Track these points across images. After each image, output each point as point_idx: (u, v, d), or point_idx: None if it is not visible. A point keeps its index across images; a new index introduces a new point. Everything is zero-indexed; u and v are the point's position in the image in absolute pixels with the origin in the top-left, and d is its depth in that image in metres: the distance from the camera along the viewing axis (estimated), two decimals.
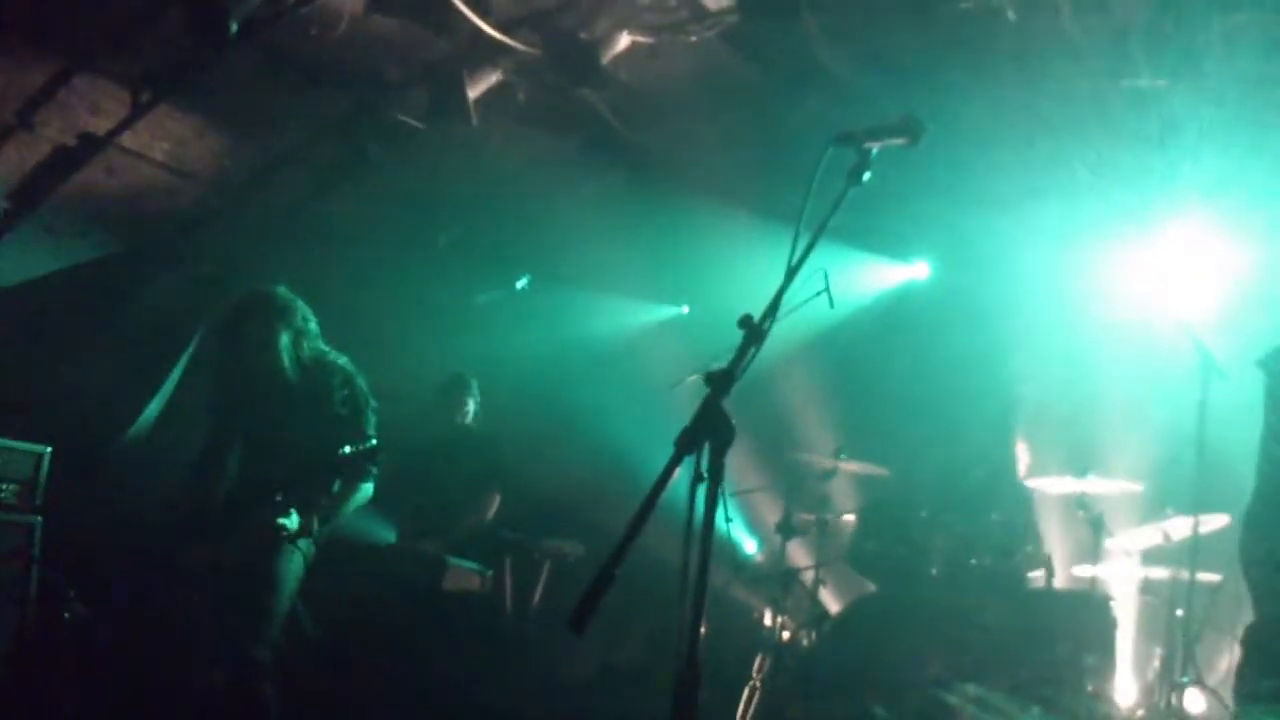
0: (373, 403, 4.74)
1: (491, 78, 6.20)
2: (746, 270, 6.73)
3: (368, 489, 4.71)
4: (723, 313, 7.02)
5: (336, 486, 4.63)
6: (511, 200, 7.29)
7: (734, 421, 2.47)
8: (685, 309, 8.20)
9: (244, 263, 6.86)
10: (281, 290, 4.81)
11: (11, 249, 6.06)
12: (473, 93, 6.17)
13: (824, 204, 2.81)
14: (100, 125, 5.77)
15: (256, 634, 4.37)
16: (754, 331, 2.58)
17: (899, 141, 2.89)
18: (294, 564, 4.53)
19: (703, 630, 2.52)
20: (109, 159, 5.93)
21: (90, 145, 5.83)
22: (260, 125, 6.28)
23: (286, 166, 6.54)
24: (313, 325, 4.78)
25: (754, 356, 2.57)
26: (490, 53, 6.03)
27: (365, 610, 5.70)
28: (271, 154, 6.47)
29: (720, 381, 2.49)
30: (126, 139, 5.87)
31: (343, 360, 4.79)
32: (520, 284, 7.81)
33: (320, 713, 5.36)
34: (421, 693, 5.58)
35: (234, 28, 5.33)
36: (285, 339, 4.67)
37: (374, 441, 4.48)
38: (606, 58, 6.00)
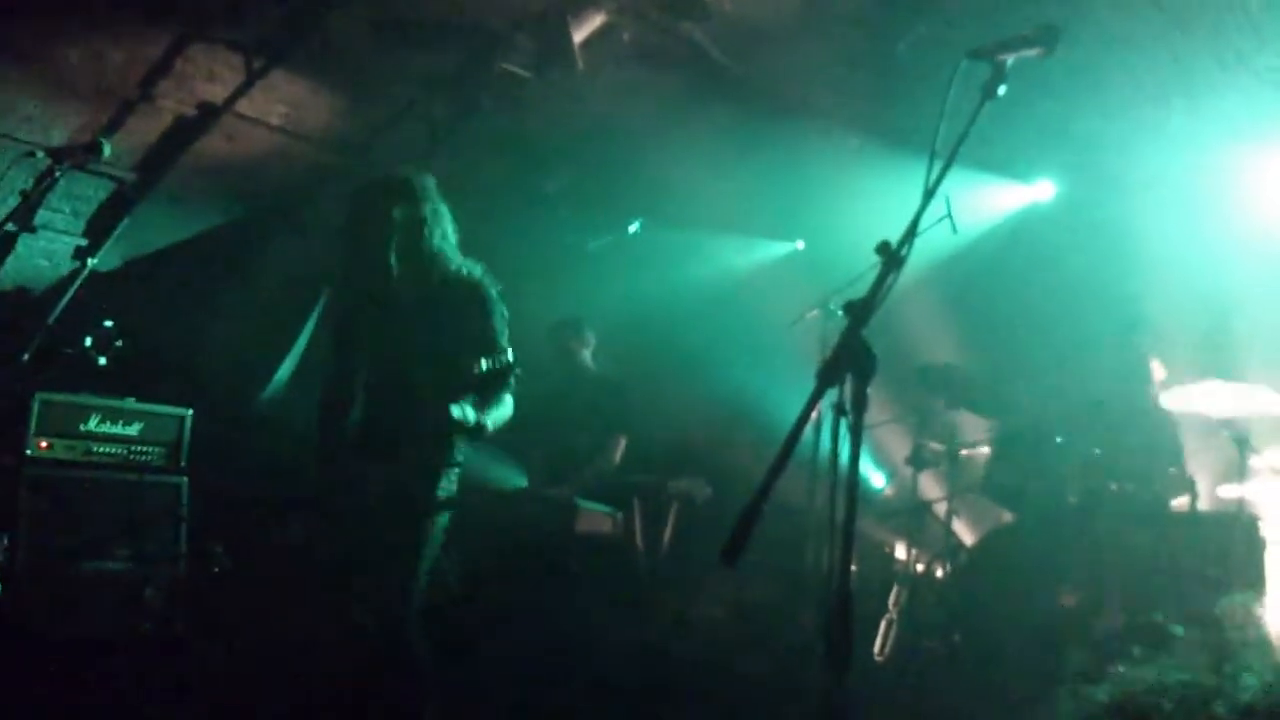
0: (505, 313, 4.30)
1: (595, 20, 6.14)
2: (859, 202, 6.61)
3: (509, 402, 4.28)
4: (837, 246, 6.93)
5: (473, 402, 4.20)
6: (619, 143, 7.24)
7: (876, 352, 2.43)
8: (800, 244, 8.09)
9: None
10: (407, 174, 4.33)
11: (142, 219, 6.25)
12: (577, 36, 6.13)
13: (954, 123, 2.75)
14: (218, 93, 5.88)
15: (405, 578, 4.15)
16: (892, 258, 2.52)
17: (1034, 52, 2.81)
18: (439, 521, 4.29)
19: (853, 567, 2.48)
20: (228, 126, 6.04)
21: (209, 113, 5.95)
22: (372, 84, 6.33)
23: (399, 123, 6.59)
24: (445, 222, 4.30)
25: (893, 284, 2.52)
26: None
27: (500, 555, 5.79)
28: (384, 112, 6.52)
29: (860, 311, 2.45)
30: (244, 105, 5.98)
31: (477, 270, 4.31)
32: (632, 228, 7.78)
33: (458, 656, 5.49)
34: (557, 634, 5.66)
35: None
36: (399, 222, 4.16)
37: (509, 355, 4.08)
38: None
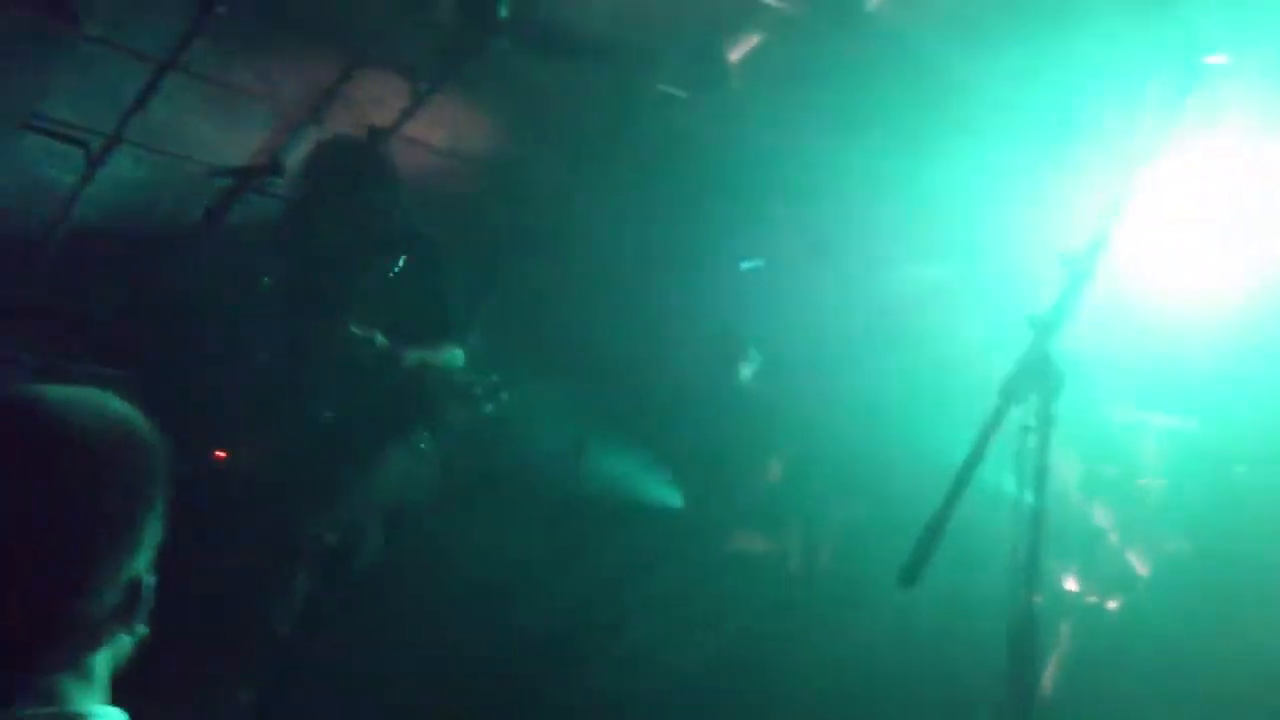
0: (455, 273, 4.48)
1: (751, 39, 6.13)
2: (1033, 219, 6.40)
3: (457, 355, 4.40)
4: (1008, 265, 6.66)
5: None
6: (774, 162, 7.19)
7: (1063, 368, 2.33)
8: (965, 262, 7.85)
9: (520, 240, 7.09)
10: (366, 138, 4.66)
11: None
12: (733, 55, 6.12)
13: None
14: (384, 117, 6.01)
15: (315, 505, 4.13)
16: (1079, 269, 2.42)
17: (1221, 57, 2.68)
18: (392, 467, 4.32)
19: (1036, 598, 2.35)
20: (395, 149, 6.19)
21: (376, 137, 6.11)
22: (529, 105, 6.43)
23: (555, 142, 6.67)
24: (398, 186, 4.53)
25: (1080, 297, 2.41)
26: (749, 12, 5.96)
27: (654, 574, 5.77)
28: (541, 131, 6.62)
29: (1046, 324, 2.35)
30: (408, 128, 6.12)
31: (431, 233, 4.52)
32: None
33: (609, 672, 5.49)
34: (711, 658, 5.61)
35: (504, 12, 5.49)
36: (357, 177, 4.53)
37: (454, 306, 4.33)
38: (871, 3, 5.83)
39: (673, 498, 6.43)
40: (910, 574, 2.17)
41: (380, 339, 4.04)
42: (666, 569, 5.97)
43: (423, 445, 4.32)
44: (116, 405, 1.44)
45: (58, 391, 1.41)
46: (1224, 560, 5.67)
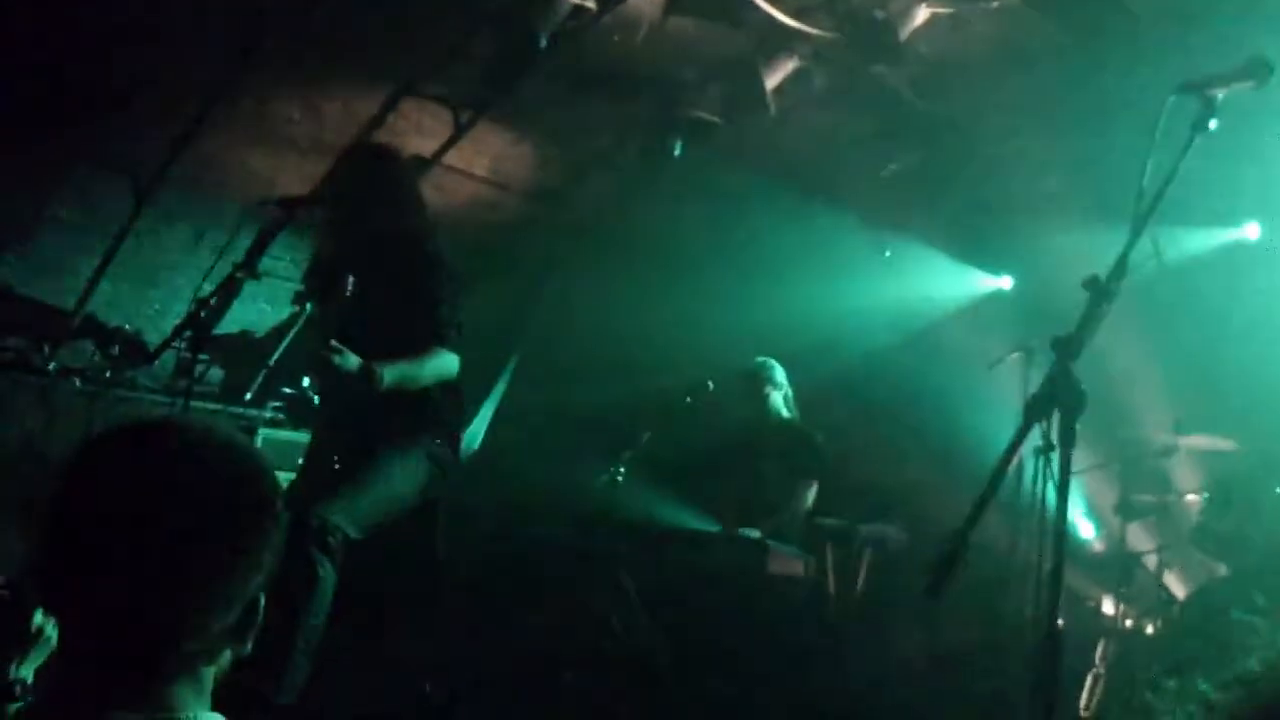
0: (452, 275, 4.30)
1: (787, 66, 6.19)
2: (1068, 242, 6.42)
3: (448, 359, 4.23)
4: (1044, 287, 6.66)
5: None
6: (811, 186, 7.25)
7: (1084, 388, 2.39)
8: (1006, 282, 7.87)
9: (560, 268, 7.20)
10: (388, 144, 4.61)
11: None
12: (769, 82, 6.19)
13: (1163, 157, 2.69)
14: (427, 146, 6.18)
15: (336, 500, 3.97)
16: (1101, 292, 2.48)
17: (1246, 85, 2.75)
18: (409, 467, 4.21)
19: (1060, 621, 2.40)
20: (436, 178, 6.33)
21: (419, 166, 6.25)
22: (569, 134, 6.56)
23: (595, 171, 6.79)
24: (411, 193, 4.42)
25: (1102, 318, 2.48)
26: (785, 41, 6.03)
27: (692, 596, 5.81)
28: (581, 161, 6.74)
29: (1068, 346, 2.41)
30: (451, 157, 6.27)
31: (432, 234, 4.40)
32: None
33: (654, 693, 5.53)
34: (749, 678, 5.63)
35: (542, 43, 5.60)
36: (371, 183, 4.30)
37: (448, 313, 4.17)
38: (905, 34, 5.88)
39: (709, 523, 6.46)
40: (934, 587, 2.23)
41: (346, 353, 3.91)
42: (704, 590, 6.00)
43: (435, 450, 4.30)
44: (243, 437, 1.54)
45: (196, 420, 1.52)
46: (1261, 582, 5.64)
